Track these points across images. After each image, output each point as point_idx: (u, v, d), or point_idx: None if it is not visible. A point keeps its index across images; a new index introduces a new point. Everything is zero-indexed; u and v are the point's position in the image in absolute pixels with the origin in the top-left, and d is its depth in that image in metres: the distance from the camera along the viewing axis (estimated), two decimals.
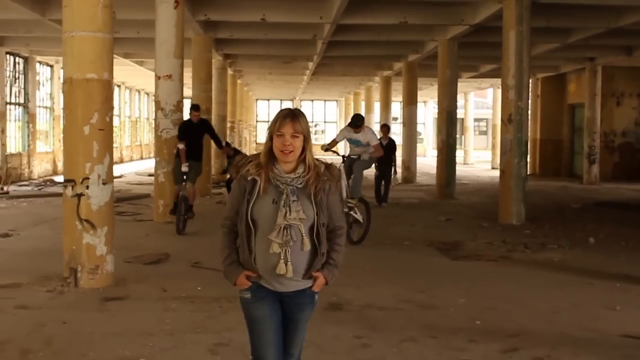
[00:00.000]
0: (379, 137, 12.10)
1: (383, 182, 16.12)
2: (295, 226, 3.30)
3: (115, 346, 5.45)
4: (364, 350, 5.49)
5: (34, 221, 12.58)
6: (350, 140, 11.00)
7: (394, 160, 16.46)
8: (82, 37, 7.24)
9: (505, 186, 13.19)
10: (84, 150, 7.33)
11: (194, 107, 11.98)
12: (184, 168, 11.24)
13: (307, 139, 3.37)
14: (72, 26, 7.27)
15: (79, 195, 7.33)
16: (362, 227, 10.49)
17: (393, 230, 12.19)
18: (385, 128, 17.09)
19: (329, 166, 3.46)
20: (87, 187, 7.32)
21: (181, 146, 11.33)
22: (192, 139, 11.52)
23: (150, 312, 6.53)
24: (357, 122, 10.81)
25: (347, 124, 11.23)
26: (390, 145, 16.17)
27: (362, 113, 36.51)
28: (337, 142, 10.98)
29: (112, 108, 7.70)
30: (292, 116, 3.35)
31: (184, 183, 11.39)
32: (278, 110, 3.50)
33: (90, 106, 7.33)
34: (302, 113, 3.42)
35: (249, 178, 3.36)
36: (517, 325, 6.28)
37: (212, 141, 12.99)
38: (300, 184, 3.36)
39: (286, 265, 3.30)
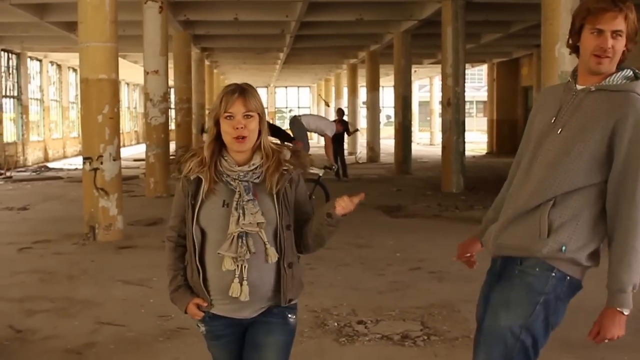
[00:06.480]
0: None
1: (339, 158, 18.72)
2: (254, 233, 2.64)
3: (133, 272, 7.64)
4: (310, 272, 7.68)
5: (42, 198, 14.65)
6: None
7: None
8: (95, 46, 9.35)
9: (446, 160, 15.47)
10: (98, 134, 9.46)
11: None
12: None
13: (262, 119, 2.69)
14: (87, 38, 9.38)
15: (95, 169, 9.46)
16: None
17: None
18: (340, 111, 19.84)
19: (296, 152, 2.77)
20: (102, 163, 9.46)
21: None
22: None
23: (155, 254, 8.67)
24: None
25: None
26: (344, 126, 19.14)
27: (332, 98, 38.83)
28: None
29: (118, 101, 9.84)
30: (242, 91, 2.66)
31: None
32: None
33: (102, 100, 9.44)
34: (253, 87, 2.72)
35: (192, 177, 2.72)
36: (425, 255, 8.56)
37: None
38: (258, 177, 2.68)
39: (241, 285, 2.63)
